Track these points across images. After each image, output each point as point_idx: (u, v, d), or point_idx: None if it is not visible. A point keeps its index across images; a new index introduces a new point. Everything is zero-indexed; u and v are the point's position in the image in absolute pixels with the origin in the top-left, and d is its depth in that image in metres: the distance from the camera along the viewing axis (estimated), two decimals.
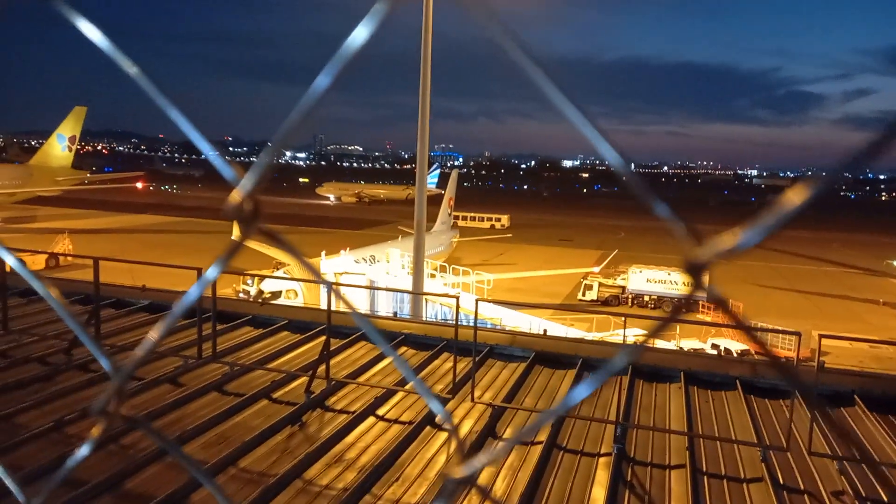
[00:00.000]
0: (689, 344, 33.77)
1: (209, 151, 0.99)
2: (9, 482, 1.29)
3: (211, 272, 1.05)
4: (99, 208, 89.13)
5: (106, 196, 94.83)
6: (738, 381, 11.16)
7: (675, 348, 25.59)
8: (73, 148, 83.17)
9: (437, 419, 9.57)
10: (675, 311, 1.03)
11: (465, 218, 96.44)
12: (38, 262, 47.55)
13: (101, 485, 7.18)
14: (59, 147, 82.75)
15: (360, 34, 0.86)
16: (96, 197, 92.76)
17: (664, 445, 9.08)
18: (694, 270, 0.90)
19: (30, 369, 10.80)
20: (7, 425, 8.67)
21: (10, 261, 1.19)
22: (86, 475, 7.31)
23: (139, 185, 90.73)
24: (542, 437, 8.96)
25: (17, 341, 11.92)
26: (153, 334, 1.15)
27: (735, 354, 31.95)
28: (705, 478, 8.33)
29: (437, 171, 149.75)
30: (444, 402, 10.00)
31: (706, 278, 0.88)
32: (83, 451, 1.20)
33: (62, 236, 54.90)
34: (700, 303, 50.09)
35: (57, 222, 72.54)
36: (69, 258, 50.18)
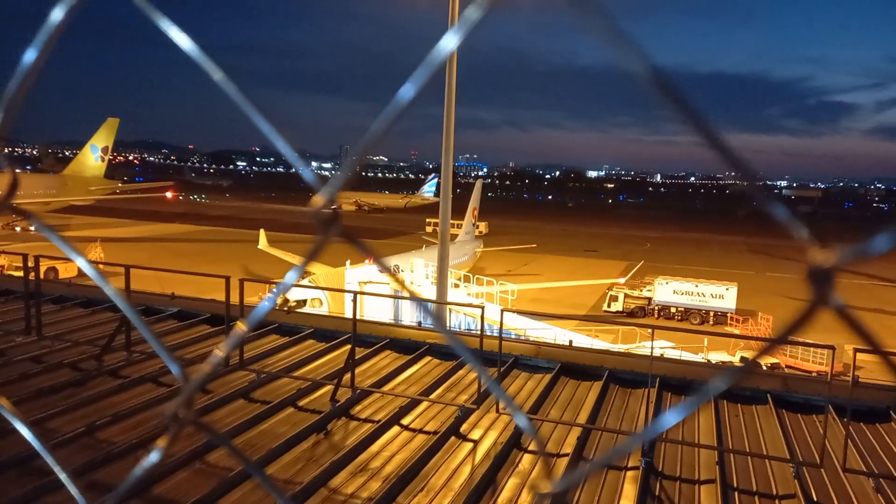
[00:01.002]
0: (717, 357, 33.21)
1: (293, 157, 0.99)
2: (72, 490, 1.30)
3: (290, 277, 1.05)
4: (130, 217, 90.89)
5: (137, 205, 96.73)
6: (769, 396, 10.93)
7: (703, 361, 25.16)
8: (106, 158, 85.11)
9: (461, 429, 9.54)
10: (790, 330, 0.87)
11: (437, 224, 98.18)
12: (71, 269, 48.55)
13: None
14: (93, 157, 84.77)
15: (448, 42, 0.85)
16: (127, 206, 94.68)
17: (693, 460, 8.92)
18: (818, 277, 0.84)
19: (62, 374, 11.01)
20: (40, 429, 8.83)
21: (84, 265, 1.22)
22: (116, 481, 7.42)
23: (169, 194, 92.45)
24: (569, 449, 8.87)
25: (50, 347, 12.17)
26: (221, 350, 1.15)
27: (764, 368, 31.38)
28: (736, 493, 8.16)
29: (435, 180, 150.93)
30: (470, 412, 9.96)
31: (830, 287, 0.82)
32: (152, 457, 1.20)
33: (94, 244, 56.07)
34: (729, 315, 49.44)
35: (89, 231, 74.13)
36: (100, 266, 51.13)
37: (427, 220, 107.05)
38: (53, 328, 13.21)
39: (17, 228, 72.65)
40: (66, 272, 47.04)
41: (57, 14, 1.03)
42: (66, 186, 78.43)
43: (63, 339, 12.51)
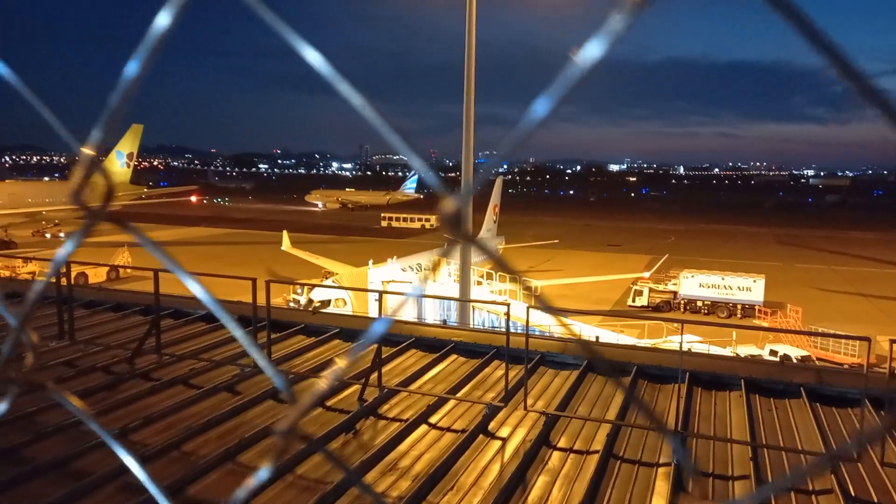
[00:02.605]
0: (745, 350, 32.71)
1: (419, 165, 0.97)
2: (153, 490, 1.30)
3: (418, 283, 1.03)
4: (156, 222, 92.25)
5: (162, 210, 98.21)
6: (802, 389, 10.73)
7: (732, 355, 24.79)
8: (131, 164, 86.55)
9: (489, 427, 9.50)
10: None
11: (397, 219, 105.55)
12: (100, 274, 49.49)
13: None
14: (118, 164, 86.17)
15: (592, 51, 0.80)
16: (153, 211, 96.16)
17: (726, 455, 8.79)
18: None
19: (95, 378, 11.21)
20: (75, 433, 8.99)
21: (195, 288, 1.23)
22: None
23: (193, 198, 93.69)
24: (598, 446, 8.80)
25: (83, 351, 12.39)
26: (341, 363, 1.14)
27: (795, 361, 30.84)
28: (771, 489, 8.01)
29: (416, 176, 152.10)
30: (497, 409, 9.93)
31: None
32: (262, 474, 1.19)
33: (122, 249, 57.06)
34: (757, 308, 48.71)
35: (117, 236, 75.34)
36: (128, 270, 52.09)
37: (382, 214, 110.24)
38: (86, 332, 13.46)
39: (48, 235, 74.21)
40: (94, 277, 47.98)
41: (162, 20, 1.01)
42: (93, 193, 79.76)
43: (95, 343, 12.74)
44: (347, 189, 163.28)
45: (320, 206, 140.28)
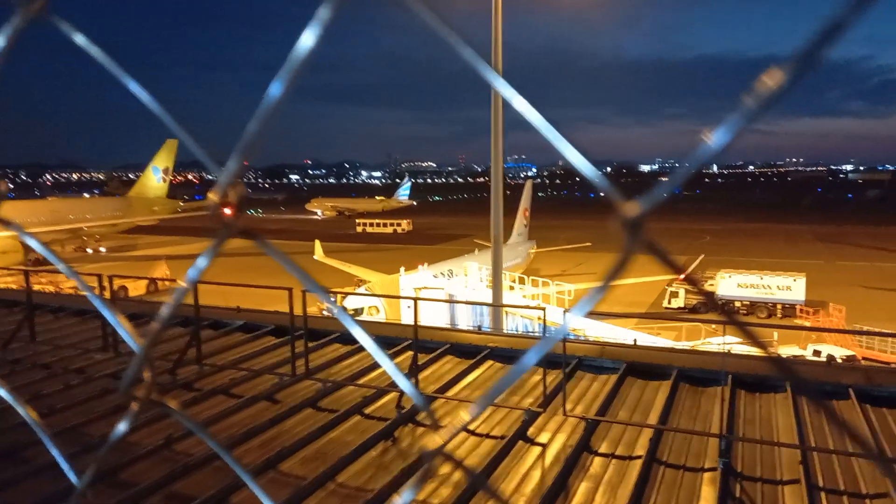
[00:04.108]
0: (788, 351, 31.92)
1: (593, 174, 0.95)
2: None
3: (597, 296, 0.98)
4: (192, 234, 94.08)
5: (198, 223, 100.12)
6: (850, 390, 10.40)
7: (776, 356, 24.17)
8: (167, 179, 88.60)
9: (529, 433, 9.42)
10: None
11: (371, 224, 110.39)
12: (140, 287, 50.61)
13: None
14: (155, 179, 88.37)
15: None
16: (189, 224, 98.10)
17: (774, 460, 8.55)
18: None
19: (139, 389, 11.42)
20: (121, 443, 9.18)
21: (330, 304, 1.24)
22: (194, 492, 7.66)
23: (228, 211, 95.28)
24: (641, 451, 8.65)
25: (127, 363, 12.63)
26: (491, 390, 1.11)
27: (840, 361, 29.95)
28: (822, 493, 7.77)
29: (409, 183, 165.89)
30: (536, 415, 9.84)
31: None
32: (405, 497, 1.19)
33: (160, 262, 58.33)
34: (798, 307, 47.49)
35: (155, 249, 77.21)
36: (167, 283, 53.19)
37: (357, 220, 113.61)
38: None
39: (89, 250, 76.27)
40: (134, 290, 49.09)
41: (306, 40, 1.01)
42: (132, 208, 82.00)
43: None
44: (345, 197, 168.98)
45: (319, 213, 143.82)
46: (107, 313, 1.35)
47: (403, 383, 1.17)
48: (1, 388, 1.59)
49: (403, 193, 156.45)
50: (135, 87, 1.20)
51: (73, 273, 1.46)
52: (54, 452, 1.52)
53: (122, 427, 1.34)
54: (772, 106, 0.79)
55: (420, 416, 10.25)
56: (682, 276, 1.01)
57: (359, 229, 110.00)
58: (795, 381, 1.11)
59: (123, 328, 1.29)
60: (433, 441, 1.08)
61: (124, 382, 1.25)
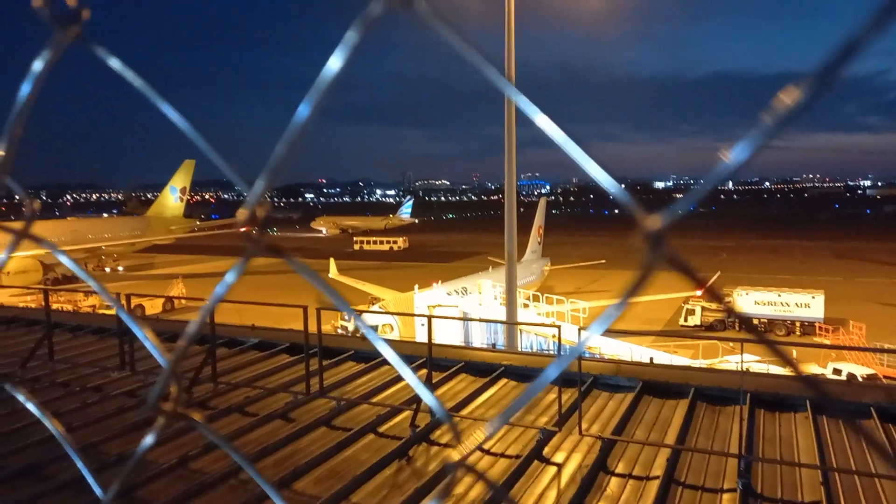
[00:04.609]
0: (808, 369, 31.40)
1: (615, 188, 0.96)
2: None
3: (624, 302, 0.97)
4: (208, 253, 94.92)
5: (214, 241, 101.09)
6: (872, 409, 10.21)
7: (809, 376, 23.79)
8: (185, 198, 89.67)
9: (544, 452, 9.33)
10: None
11: (367, 242, 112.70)
12: (156, 305, 51.06)
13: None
14: (172, 198, 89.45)
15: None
16: (205, 242, 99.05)
17: (794, 480, 8.39)
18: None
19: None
20: (123, 469, 9.22)
21: (363, 325, 1.27)
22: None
23: (243, 229, 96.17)
24: (658, 471, 8.53)
25: (143, 381, 12.74)
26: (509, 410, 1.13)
27: (860, 379, 29.40)
28: None
29: (411, 201, 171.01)
30: (551, 434, 9.75)
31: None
32: None
33: (176, 281, 58.81)
34: (817, 325, 46.80)
35: (172, 268, 77.86)
36: (183, 301, 53.61)
37: (355, 238, 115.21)
38: (145, 363, 13.84)
39: (107, 269, 77.14)
40: (151, 308, 49.53)
41: (333, 64, 1.03)
42: (150, 227, 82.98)
43: (155, 374, 13.08)
44: (348, 216, 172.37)
45: (324, 231, 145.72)
46: (135, 328, 1.38)
47: (427, 396, 1.18)
48: (30, 403, 1.62)
49: (405, 211, 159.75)
50: (168, 110, 1.23)
51: (103, 290, 1.50)
52: (80, 466, 1.54)
53: (148, 440, 1.36)
54: (790, 123, 0.80)
55: (435, 434, 10.19)
56: (704, 290, 1.01)
57: (356, 247, 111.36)
58: (827, 400, 1.10)
59: (151, 343, 1.32)
60: (455, 454, 1.09)
61: (152, 396, 1.28)
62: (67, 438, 1.57)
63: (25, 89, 1.34)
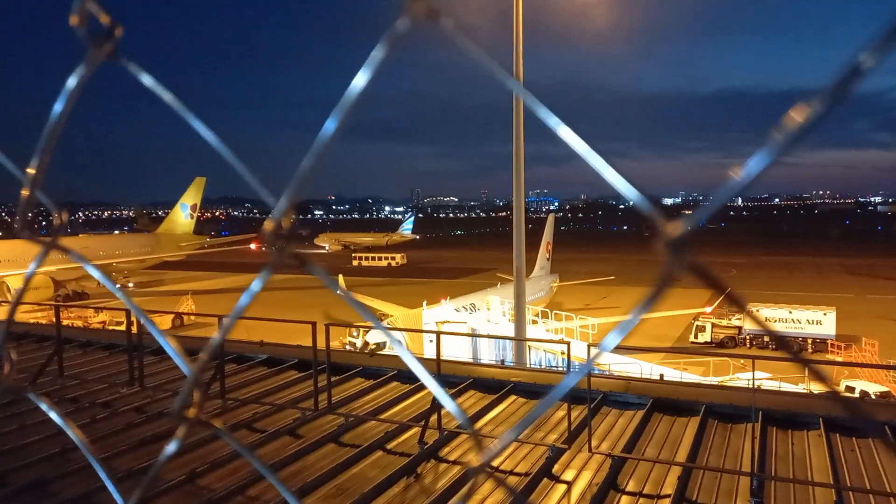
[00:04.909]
0: (820, 387, 31.02)
1: (638, 198, 0.96)
2: None
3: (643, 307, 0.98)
4: (218, 270, 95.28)
5: (224, 258, 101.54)
6: (887, 427, 10.07)
7: (808, 392, 23.55)
8: (195, 215, 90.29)
9: (553, 470, 9.25)
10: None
11: (366, 258, 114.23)
12: (166, 321, 51.21)
13: None
14: (183, 215, 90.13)
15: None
16: (215, 259, 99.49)
17: (808, 499, 8.27)
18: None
19: (163, 424, 11.48)
20: (145, 477, 9.21)
21: (395, 342, 1.30)
22: None
23: (253, 246, 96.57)
24: (669, 489, 8.43)
25: (152, 397, 12.76)
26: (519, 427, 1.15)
27: (874, 397, 29.01)
28: None
29: (412, 218, 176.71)
30: (561, 452, 9.67)
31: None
32: None
33: (186, 297, 59.05)
34: (829, 342, 46.34)
35: (181, 284, 78.18)
36: (192, 317, 53.75)
37: (353, 255, 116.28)
38: (154, 379, 13.87)
39: (118, 286, 77.52)
40: (160, 325, 49.61)
41: (359, 81, 1.05)
42: (160, 244, 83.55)
43: (163, 390, 13.10)
44: (352, 232, 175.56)
45: (326, 248, 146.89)
46: (160, 338, 1.40)
47: (449, 404, 1.19)
48: (53, 412, 1.64)
49: (406, 228, 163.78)
50: (200, 127, 1.25)
51: (131, 303, 1.53)
52: (102, 475, 1.56)
53: (171, 447, 1.38)
54: (801, 141, 0.81)
55: (443, 451, 10.13)
56: (726, 298, 1.00)
57: (354, 263, 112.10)
58: (867, 422, 1.10)
59: (175, 352, 1.34)
60: (476, 459, 1.10)
61: (177, 404, 1.30)
62: (90, 449, 1.59)
63: (58, 106, 1.37)
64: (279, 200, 1.15)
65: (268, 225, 1.14)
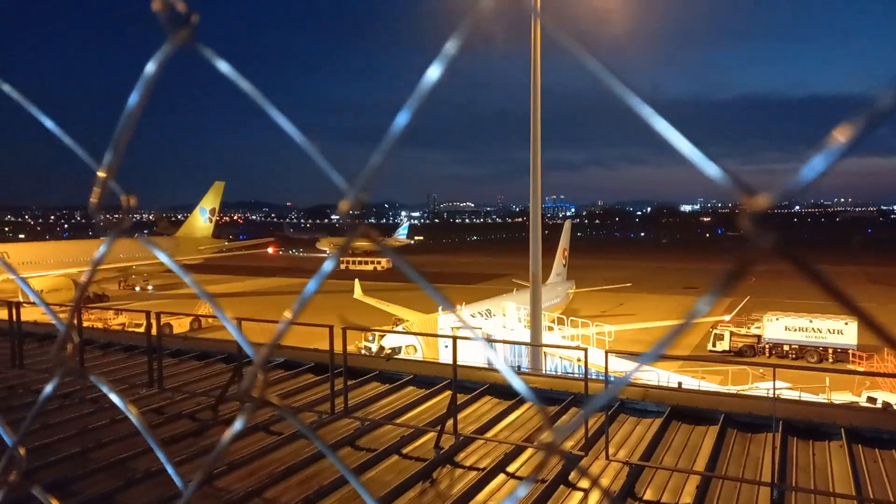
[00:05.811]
0: (841, 397, 30.54)
1: (720, 175, 0.96)
2: None
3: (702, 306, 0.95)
4: (236, 273, 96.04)
5: (242, 261, 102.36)
6: None
7: (829, 402, 23.18)
8: (214, 219, 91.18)
9: (570, 477, 9.19)
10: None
11: (353, 262, 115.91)
12: (184, 324, 51.70)
13: None
14: (202, 219, 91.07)
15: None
16: (233, 263, 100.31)
17: None
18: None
19: (182, 425, 11.60)
20: (164, 478, 9.29)
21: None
22: None
23: (270, 249, 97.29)
24: (688, 498, 8.35)
25: (171, 398, 12.89)
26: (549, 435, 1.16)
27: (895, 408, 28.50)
28: None
29: (408, 224, 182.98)
30: (577, 459, 9.61)
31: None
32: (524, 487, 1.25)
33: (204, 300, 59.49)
34: (850, 352, 45.57)
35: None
36: (209, 320, 54.18)
37: (341, 259, 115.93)
38: (173, 380, 14.02)
39: (137, 288, 78.51)
40: (179, 327, 50.15)
41: (433, 73, 1.06)
42: (179, 247, 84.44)
43: (182, 391, 13.24)
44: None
45: (327, 252, 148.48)
46: (230, 327, 1.46)
47: (516, 381, 1.19)
48: (113, 394, 1.69)
49: (402, 233, 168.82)
50: (277, 115, 1.27)
51: (209, 298, 1.58)
52: (162, 458, 1.62)
53: (238, 425, 1.42)
54: (845, 156, 0.78)
55: (459, 457, 10.12)
56: (823, 287, 0.98)
57: (342, 266, 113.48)
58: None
59: (241, 336, 1.40)
60: (549, 436, 1.10)
61: (244, 385, 1.36)
62: (150, 433, 1.65)
63: (135, 97, 1.39)
64: (354, 183, 1.18)
65: (343, 205, 1.18)
